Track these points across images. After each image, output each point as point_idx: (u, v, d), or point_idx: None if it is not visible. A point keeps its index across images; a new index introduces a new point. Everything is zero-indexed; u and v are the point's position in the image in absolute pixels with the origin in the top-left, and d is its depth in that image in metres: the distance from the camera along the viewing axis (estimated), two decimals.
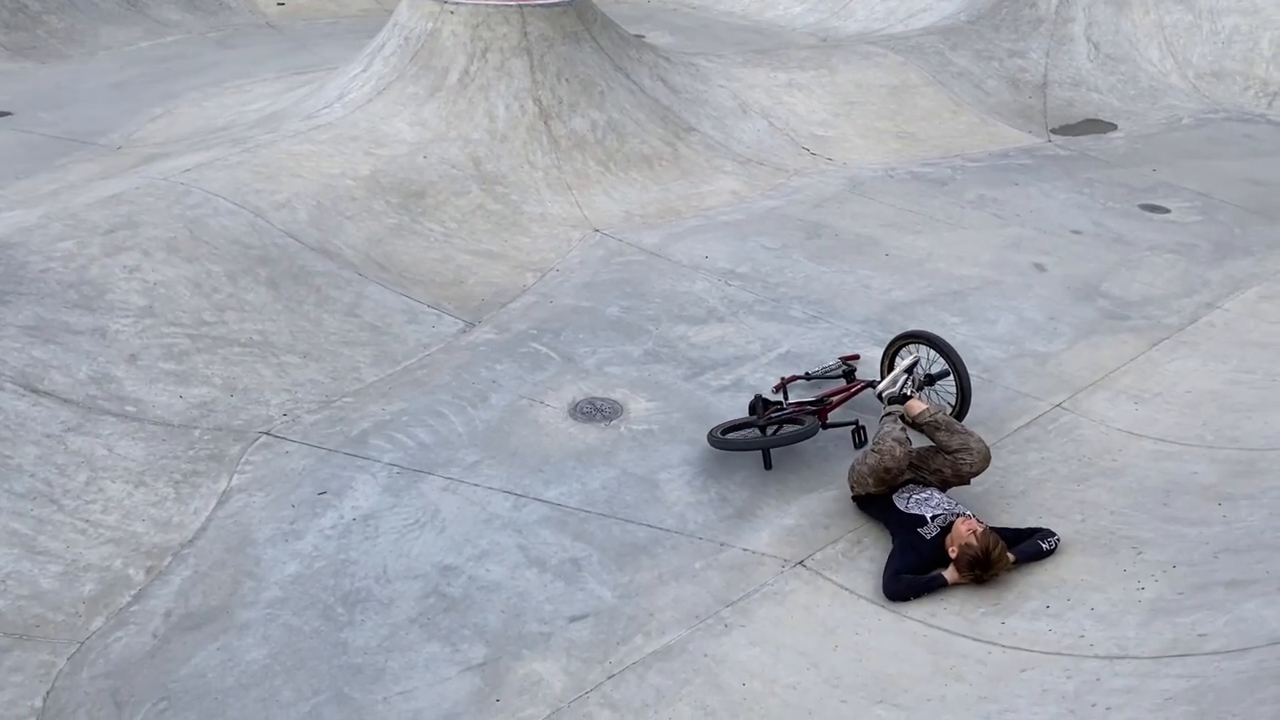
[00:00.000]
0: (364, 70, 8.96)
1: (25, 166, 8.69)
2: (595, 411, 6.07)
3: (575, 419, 5.99)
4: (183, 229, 6.92)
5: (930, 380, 5.80)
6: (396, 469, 5.53)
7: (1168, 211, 8.63)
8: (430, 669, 4.36)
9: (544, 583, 4.84)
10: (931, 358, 5.86)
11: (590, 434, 5.86)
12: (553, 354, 6.59)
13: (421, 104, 8.58)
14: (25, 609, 4.57)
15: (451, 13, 8.80)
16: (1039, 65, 11.40)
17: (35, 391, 5.54)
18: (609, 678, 4.34)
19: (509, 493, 5.40)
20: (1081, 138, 10.30)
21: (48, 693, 4.24)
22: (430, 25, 8.83)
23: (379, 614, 4.63)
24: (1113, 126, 10.58)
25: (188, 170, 7.60)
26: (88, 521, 5.02)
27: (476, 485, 5.44)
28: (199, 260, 6.73)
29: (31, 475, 5.13)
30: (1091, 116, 10.79)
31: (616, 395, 6.21)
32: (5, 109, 10.14)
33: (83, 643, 4.48)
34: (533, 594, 4.77)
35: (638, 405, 6.12)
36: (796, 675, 4.32)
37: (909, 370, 5.67)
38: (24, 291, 6.12)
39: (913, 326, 6.65)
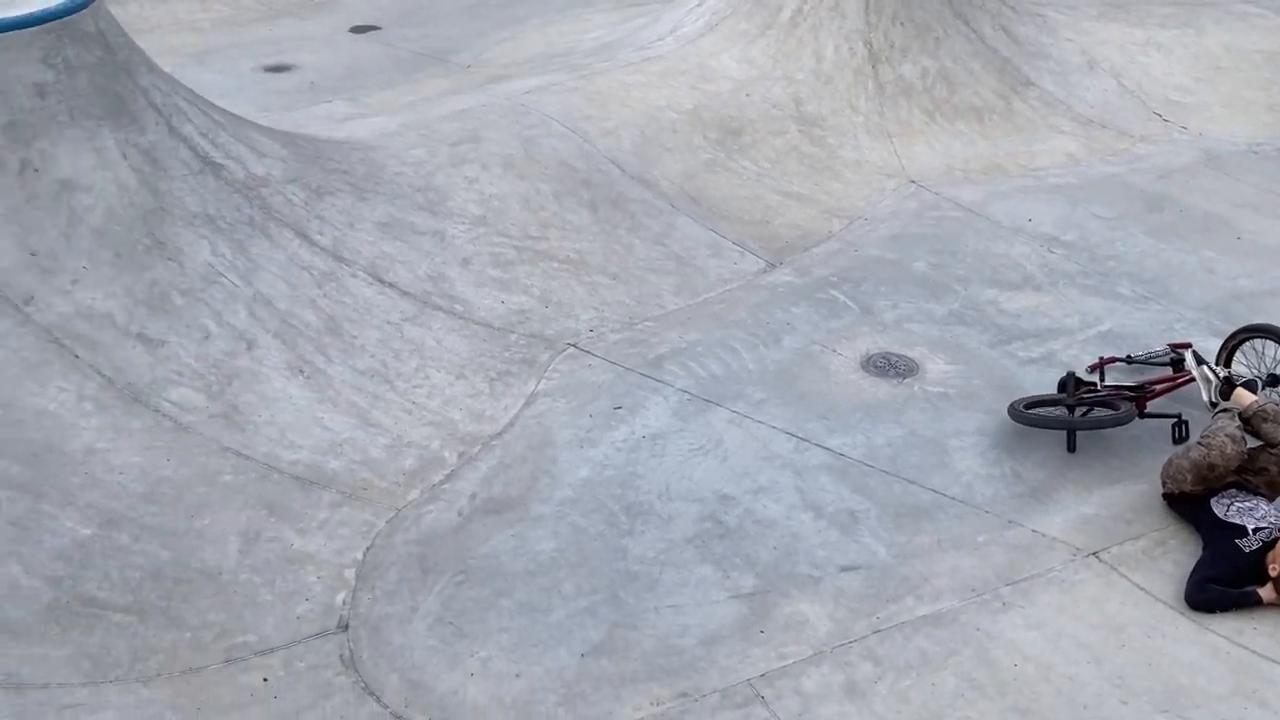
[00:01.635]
0: (699, 4, 9.09)
1: (388, 78, 9.55)
2: (889, 367, 5.96)
3: (867, 371, 5.91)
4: (519, 147, 7.38)
5: (1275, 381, 5.23)
6: (687, 395, 5.71)
7: None
8: (700, 589, 4.53)
9: (819, 528, 4.86)
10: (1278, 357, 5.28)
11: (881, 389, 5.77)
12: (851, 303, 6.51)
13: (751, 41, 8.61)
14: (356, 472, 5.15)
15: None
16: None
17: (381, 282, 6.16)
18: (875, 632, 4.32)
19: (792, 435, 5.44)
20: None
21: (367, 549, 4.78)
22: None
23: (658, 529, 4.85)
24: None
25: (528, 92, 8.07)
26: (414, 403, 5.56)
27: (761, 423, 5.52)
28: (530, 178, 7.17)
29: (372, 356, 5.73)
30: None
31: (913, 353, 6.05)
32: (375, 24, 11.16)
33: (399, 510, 5.00)
34: (806, 536, 4.81)
35: (935, 366, 5.94)
36: (1075, 667, 4.10)
37: (1212, 370, 5.21)
38: (380, 191, 6.79)
39: (1260, 320, 5.98)
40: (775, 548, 4.75)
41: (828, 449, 5.35)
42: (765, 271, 6.91)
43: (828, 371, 5.92)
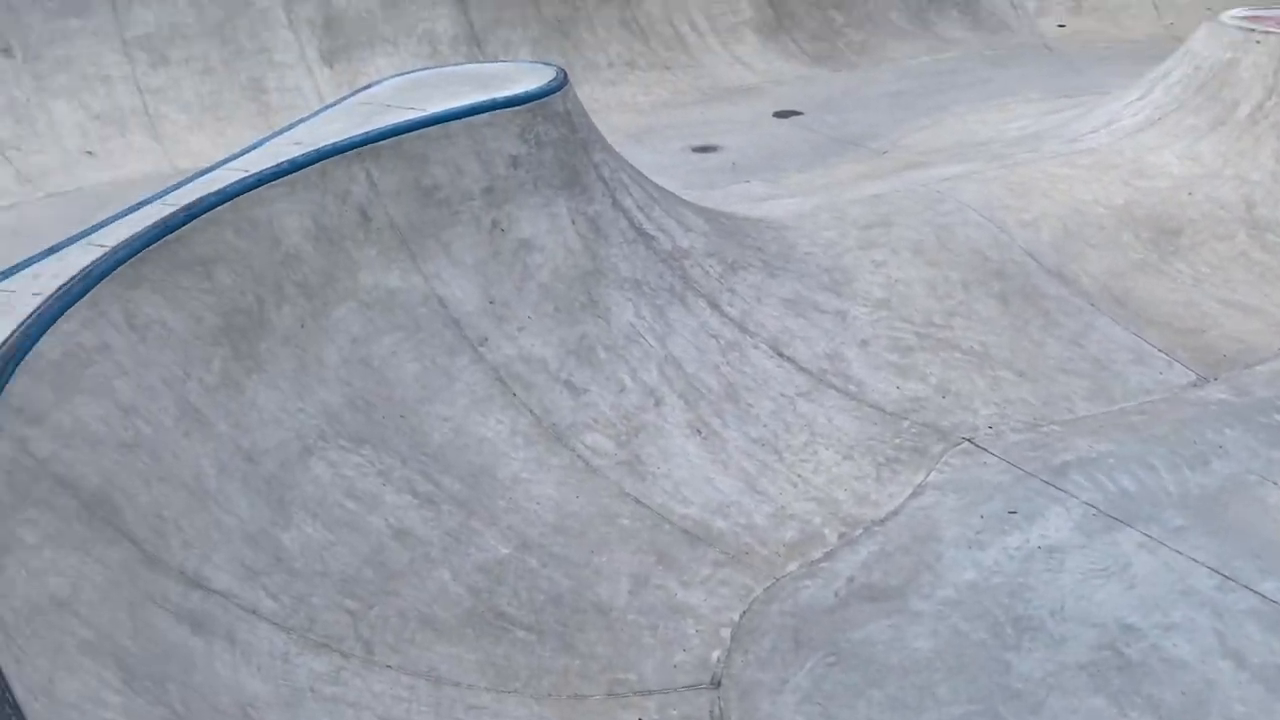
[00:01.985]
0: (1141, 98, 8.57)
1: (805, 161, 9.92)
2: None
3: None
4: (930, 234, 7.34)
5: None
6: (1093, 510, 5.31)
7: None
8: None
9: (1239, 681, 4.30)
10: None
11: None
12: None
13: (1199, 138, 7.96)
14: (739, 536, 5.32)
15: (1258, 43, 7.98)
16: None
17: (781, 356, 6.36)
18: None
19: (1215, 571, 4.87)
20: None
21: (743, 612, 4.90)
22: (1229, 55, 8.12)
23: (1047, 648, 4.53)
24: None
25: (945, 180, 8.01)
26: (800, 477, 5.65)
27: (1178, 552, 5.00)
28: (939, 265, 7.09)
29: (765, 425, 5.91)
30: None
31: None
32: (798, 109, 11.65)
33: (777, 579, 5.08)
34: (1223, 687, 4.27)
35: None
36: None
37: None
38: (790, 269, 7.03)
39: None
40: (1184, 693, 4.26)
41: (1259, 593, 4.73)
42: (1196, 385, 6.30)
43: (1265, 505, 5.26)
